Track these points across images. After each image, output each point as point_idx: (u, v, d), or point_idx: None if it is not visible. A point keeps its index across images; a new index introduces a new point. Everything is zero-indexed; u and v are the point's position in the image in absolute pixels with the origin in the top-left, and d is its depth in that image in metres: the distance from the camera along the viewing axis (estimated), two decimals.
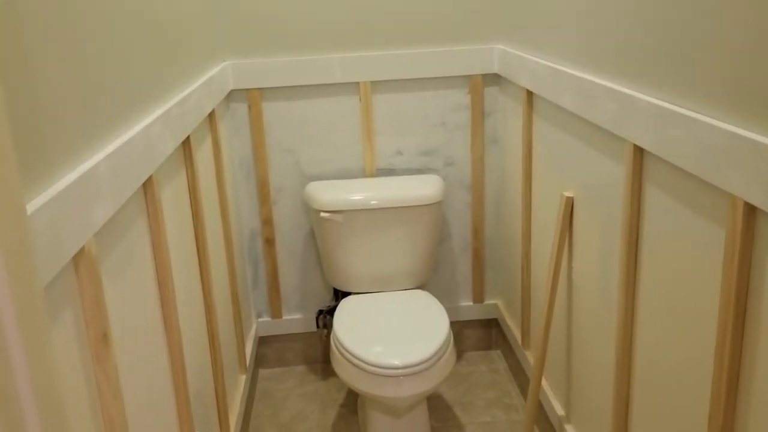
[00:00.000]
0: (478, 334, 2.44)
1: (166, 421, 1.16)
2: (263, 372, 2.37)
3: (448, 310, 2.39)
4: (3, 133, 0.46)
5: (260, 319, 2.33)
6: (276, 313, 2.32)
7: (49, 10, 0.79)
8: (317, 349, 2.39)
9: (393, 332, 1.83)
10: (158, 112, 1.21)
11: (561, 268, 1.61)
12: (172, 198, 1.32)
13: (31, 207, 0.69)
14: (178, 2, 1.51)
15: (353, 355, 1.74)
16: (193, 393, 1.38)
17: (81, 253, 0.80)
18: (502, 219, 2.24)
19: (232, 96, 2.10)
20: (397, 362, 1.70)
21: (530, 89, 1.75)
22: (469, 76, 2.14)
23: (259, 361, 2.37)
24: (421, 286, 2.36)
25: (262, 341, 2.35)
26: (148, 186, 1.12)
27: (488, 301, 2.41)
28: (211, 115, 1.75)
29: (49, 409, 0.51)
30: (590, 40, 1.35)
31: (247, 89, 2.09)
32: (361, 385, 1.74)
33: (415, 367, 1.71)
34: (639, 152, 1.14)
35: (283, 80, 2.08)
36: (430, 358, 1.73)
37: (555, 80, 1.54)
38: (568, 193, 1.53)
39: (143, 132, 1.08)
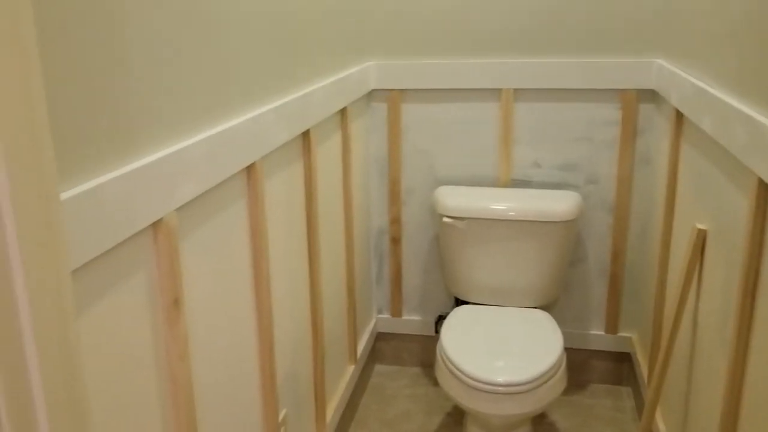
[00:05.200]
0: (607, 367, 2.28)
1: (246, 392, 1.23)
2: (379, 367, 2.41)
3: (576, 337, 2.26)
4: (40, 123, 0.51)
5: (380, 315, 2.38)
6: (396, 311, 2.35)
7: None
8: (433, 354, 2.38)
9: (500, 348, 1.77)
10: (274, 103, 1.28)
11: (686, 304, 1.46)
12: (284, 186, 1.39)
13: (108, 177, 0.77)
14: (328, 5, 1.59)
15: (454, 365, 1.71)
16: (284, 372, 1.44)
17: (159, 223, 0.88)
18: (647, 246, 2.08)
19: (373, 95, 2.16)
20: (499, 379, 1.65)
21: (678, 108, 1.60)
22: (622, 90, 2.00)
23: (376, 355, 2.41)
24: (546, 307, 2.26)
25: (380, 337, 2.40)
26: (251, 171, 1.19)
27: (622, 333, 2.24)
28: (343, 112, 1.82)
29: (62, 404, 0.52)
30: (736, 58, 1.20)
31: (388, 90, 2.13)
32: (459, 397, 1.71)
33: (517, 387, 1.65)
34: (764, 188, 1.00)
35: (424, 82, 2.09)
36: (533, 380, 1.65)
37: (698, 100, 1.39)
38: (701, 225, 1.38)
39: (251, 120, 1.15)
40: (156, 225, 0.88)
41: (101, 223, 0.74)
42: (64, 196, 0.68)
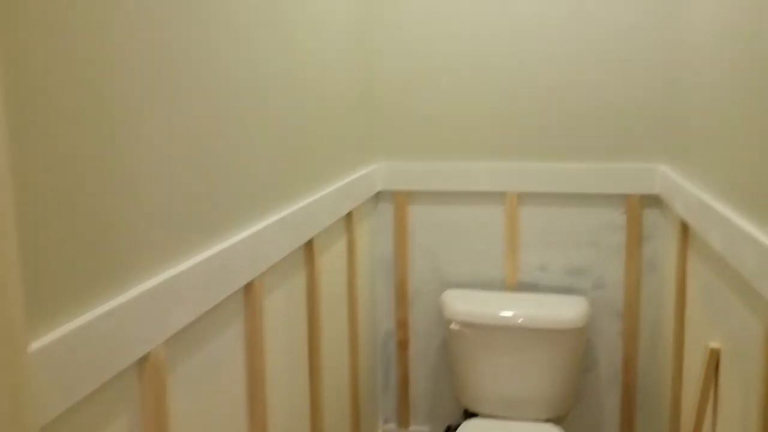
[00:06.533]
0: None
1: None
2: None
3: None
4: (10, 273, 0.50)
5: (386, 425, 2.28)
6: (403, 421, 2.26)
7: (162, 106, 0.88)
8: None
9: None
10: (276, 216, 1.27)
11: (703, 426, 1.39)
12: (285, 299, 1.37)
13: (89, 316, 0.74)
14: (335, 111, 1.62)
15: None
16: None
17: (146, 358, 0.85)
18: (658, 355, 2.01)
19: (380, 196, 2.16)
20: None
21: (684, 219, 1.58)
22: (626, 195, 1.99)
23: None
24: (558, 418, 2.17)
25: None
26: (249, 290, 1.17)
27: None
28: (349, 216, 1.81)
29: None
30: (744, 174, 1.19)
31: (395, 191, 2.14)
32: None
33: None
34: None
35: (430, 184, 2.10)
36: None
37: (704, 214, 1.37)
38: (714, 344, 1.33)
39: (251, 237, 1.14)
40: (142, 361, 0.85)
41: (79, 369, 0.71)
42: (36, 345, 0.66)
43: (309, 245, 1.50)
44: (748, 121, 1.18)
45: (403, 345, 2.21)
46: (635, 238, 2.00)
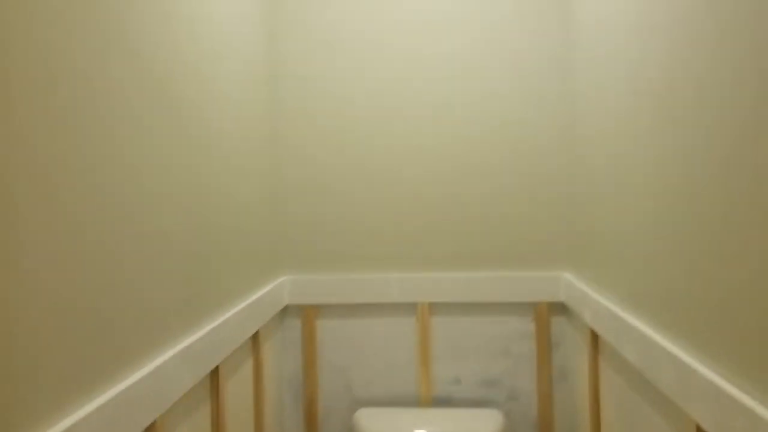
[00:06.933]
0: None
1: None
2: None
3: None
4: None
5: None
6: None
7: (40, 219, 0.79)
8: None
9: None
10: (178, 347, 1.17)
11: None
12: None
13: None
14: (237, 228, 1.55)
15: None
16: None
17: None
18: None
19: (287, 311, 2.07)
20: None
21: (594, 329, 1.60)
22: (533, 303, 2.02)
23: None
24: None
25: None
26: None
27: None
28: (256, 336, 1.71)
29: None
30: (655, 286, 1.23)
31: (302, 305, 2.06)
32: None
33: None
34: None
35: (339, 297, 2.04)
36: None
37: (616, 326, 1.40)
38: None
39: (150, 375, 1.03)
40: None
41: None
42: None
43: (214, 373, 1.38)
44: (652, 230, 1.22)
45: None
46: (545, 346, 2.02)
